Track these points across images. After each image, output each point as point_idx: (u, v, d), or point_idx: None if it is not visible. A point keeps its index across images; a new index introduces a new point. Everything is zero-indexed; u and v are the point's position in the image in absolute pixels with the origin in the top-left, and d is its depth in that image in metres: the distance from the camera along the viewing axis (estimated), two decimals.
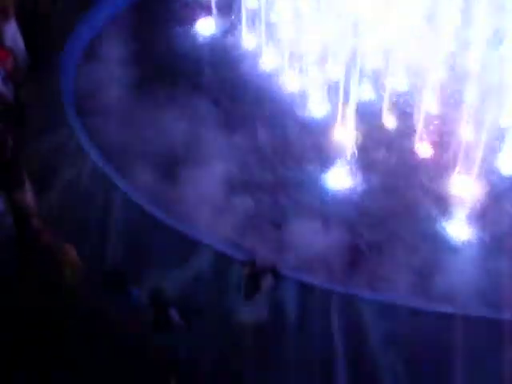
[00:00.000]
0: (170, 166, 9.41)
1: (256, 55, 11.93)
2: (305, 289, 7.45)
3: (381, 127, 10.50)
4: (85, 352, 6.49)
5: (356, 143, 9.94)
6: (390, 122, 10.54)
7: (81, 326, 6.80)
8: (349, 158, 9.75)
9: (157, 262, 8.08)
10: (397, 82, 10.95)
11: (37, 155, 9.73)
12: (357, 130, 10.05)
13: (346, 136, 10.07)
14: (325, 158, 9.94)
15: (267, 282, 7.02)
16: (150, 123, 10.05)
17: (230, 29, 12.37)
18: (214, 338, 7.31)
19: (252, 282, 6.99)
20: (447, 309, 7.23)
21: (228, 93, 11.22)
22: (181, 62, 11.70)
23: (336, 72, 10.85)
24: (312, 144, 10.21)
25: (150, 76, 11.11)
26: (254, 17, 12.04)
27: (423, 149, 10.06)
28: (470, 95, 10.18)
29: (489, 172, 9.52)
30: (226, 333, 7.30)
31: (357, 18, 9.95)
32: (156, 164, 9.36)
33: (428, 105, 10.30)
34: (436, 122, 10.19)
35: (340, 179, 9.68)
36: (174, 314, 6.63)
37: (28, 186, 8.40)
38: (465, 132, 9.90)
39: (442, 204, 9.16)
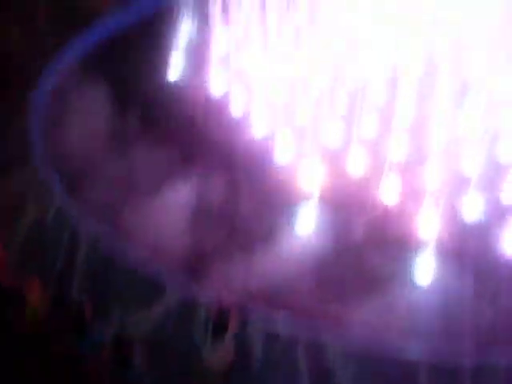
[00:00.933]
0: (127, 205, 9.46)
1: (225, 100, 11.99)
2: (272, 332, 7.41)
3: (349, 173, 10.61)
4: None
5: (322, 189, 10.07)
6: (357, 167, 10.67)
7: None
8: (315, 202, 9.84)
9: (122, 301, 7.98)
10: (366, 127, 11.09)
11: (2, 192, 9.67)
12: (324, 175, 10.19)
13: (313, 180, 10.19)
14: (291, 200, 9.98)
15: (234, 323, 6.96)
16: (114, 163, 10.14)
17: (199, 72, 12.41)
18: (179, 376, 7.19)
19: (219, 323, 6.92)
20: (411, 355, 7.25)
21: (194, 137, 11.11)
22: (147, 105, 11.61)
23: (305, 116, 11.06)
24: (278, 188, 10.25)
25: (116, 116, 11.15)
26: (223, 61, 12.20)
27: (390, 194, 10.19)
28: (437, 142, 10.49)
29: (454, 216, 9.71)
30: (192, 371, 7.18)
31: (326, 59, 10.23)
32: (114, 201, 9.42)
33: (396, 150, 10.51)
34: (402, 168, 10.39)
35: (305, 223, 9.74)
36: (136, 352, 6.50)
37: None
38: (431, 178, 10.14)
39: (408, 246, 9.28)
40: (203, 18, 12.48)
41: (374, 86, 11.24)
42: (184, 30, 13.14)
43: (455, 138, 10.71)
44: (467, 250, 9.18)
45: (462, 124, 11.03)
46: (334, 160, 10.67)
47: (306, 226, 9.73)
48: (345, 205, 10.05)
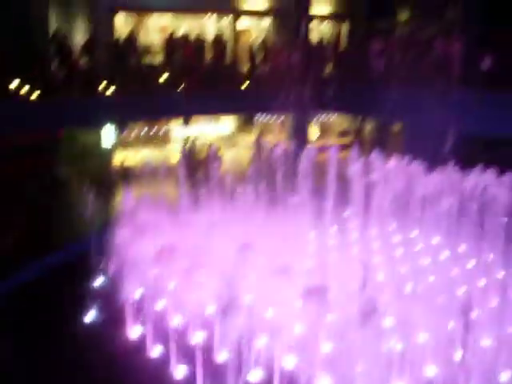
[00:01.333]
0: None
1: (142, 347, 11.73)
2: None
3: None
4: None
5: None
6: None
7: None
8: None
9: None
10: (286, 362, 10.82)
11: None
12: None
13: None
14: None
15: None
16: None
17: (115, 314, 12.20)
18: None
19: None
20: None
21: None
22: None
23: (224, 357, 10.84)
24: None
25: None
26: (138, 306, 12.09)
27: None
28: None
29: None
30: None
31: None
32: None
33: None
34: None
35: None
36: None
37: None
38: None
39: None
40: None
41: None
42: (100, 273, 13.26)
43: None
44: None
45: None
46: None
47: None
48: None
